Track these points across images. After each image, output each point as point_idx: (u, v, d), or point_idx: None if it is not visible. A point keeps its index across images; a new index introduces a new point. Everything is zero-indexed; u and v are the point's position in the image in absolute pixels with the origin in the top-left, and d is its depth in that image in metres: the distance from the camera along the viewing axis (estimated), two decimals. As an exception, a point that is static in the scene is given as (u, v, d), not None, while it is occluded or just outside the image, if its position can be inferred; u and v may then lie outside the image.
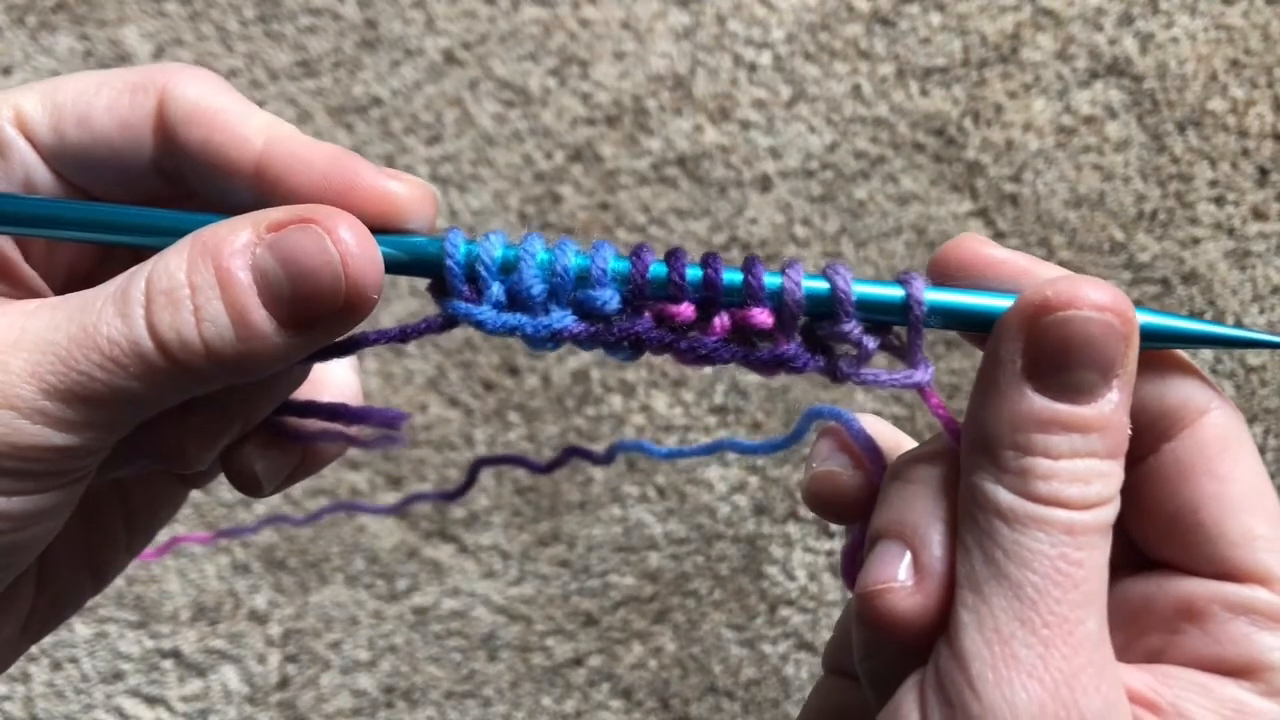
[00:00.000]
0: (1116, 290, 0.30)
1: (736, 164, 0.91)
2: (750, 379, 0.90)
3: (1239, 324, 0.91)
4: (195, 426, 0.35)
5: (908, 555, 0.31)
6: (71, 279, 0.38)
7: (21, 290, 0.36)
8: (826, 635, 0.90)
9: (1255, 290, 0.91)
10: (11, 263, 0.36)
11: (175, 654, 0.89)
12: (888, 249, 0.90)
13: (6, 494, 0.31)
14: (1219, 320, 0.91)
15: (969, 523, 0.30)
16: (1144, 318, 0.31)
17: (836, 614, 0.90)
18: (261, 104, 0.92)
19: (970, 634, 0.29)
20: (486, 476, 0.89)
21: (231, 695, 0.89)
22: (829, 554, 0.90)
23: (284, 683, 0.90)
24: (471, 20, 0.91)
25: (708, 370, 0.90)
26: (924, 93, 0.91)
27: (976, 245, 0.33)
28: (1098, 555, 0.30)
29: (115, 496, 0.40)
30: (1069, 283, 0.30)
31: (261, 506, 0.89)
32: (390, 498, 0.89)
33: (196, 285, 0.31)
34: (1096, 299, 0.29)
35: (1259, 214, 0.91)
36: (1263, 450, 0.89)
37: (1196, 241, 0.91)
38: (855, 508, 0.35)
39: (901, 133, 0.91)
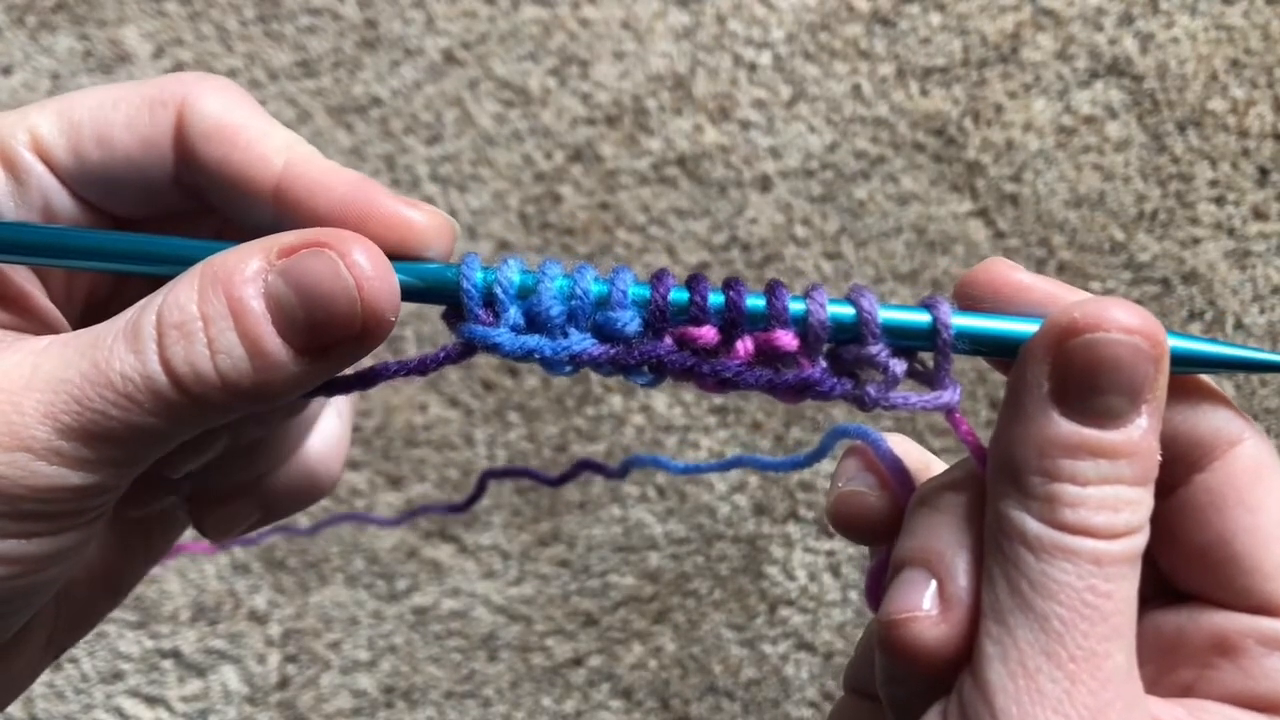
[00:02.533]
0: (1145, 312, 0.29)
1: (736, 164, 0.91)
2: (750, 379, 0.90)
3: (1239, 325, 0.91)
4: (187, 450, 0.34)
5: (933, 584, 0.31)
6: (88, 310, 0.38)
7: (37, 323, 0.35)
8: (827, 635, 0.90)
9: (1255, 290, 0.91)
10: (29, 295, 0.35)
11: (175, 654, 0.89)
12: (888, 249, 0.90)
13: (25, 536, 0.31)
14: (1219, 321, 0.91)
15: (995, 551, 0.30)
16: (1173, 342, 0.31)
17: (836, 614, 0.90)
18: (261, 104, 0.91)
19: (995, 666, 0.28)
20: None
21: (231, 695, 0.89)
22: (829, 554, 0.90)
23: (284, 683, 0.90)
24: (471, 20, 0.91)
25: (708, 370, 0.90)
26: (924, 93, 0.91)
27: (1004, 270, 0.32)
28: (1126, 587, 0.29)
29: (133, 516, 0.40)
30: (1096, 304, 0.29)
31: (261, 506, 0.89)
32: (390, 498, 0.89)
33: (209, 316, 0.30)
34: (1125, 321, 0.29)
35: (1259, 214, 0.91)
36: (1263, 450, 0.89)
37: (1197, 241, 0.91)
38: (881, 529, 0.34)
39: (901, 133, 0.91)
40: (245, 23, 0.91)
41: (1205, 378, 0.32)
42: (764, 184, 0.90)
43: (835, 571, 0.90)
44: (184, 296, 0.30)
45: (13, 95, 0.90)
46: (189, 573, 0.90)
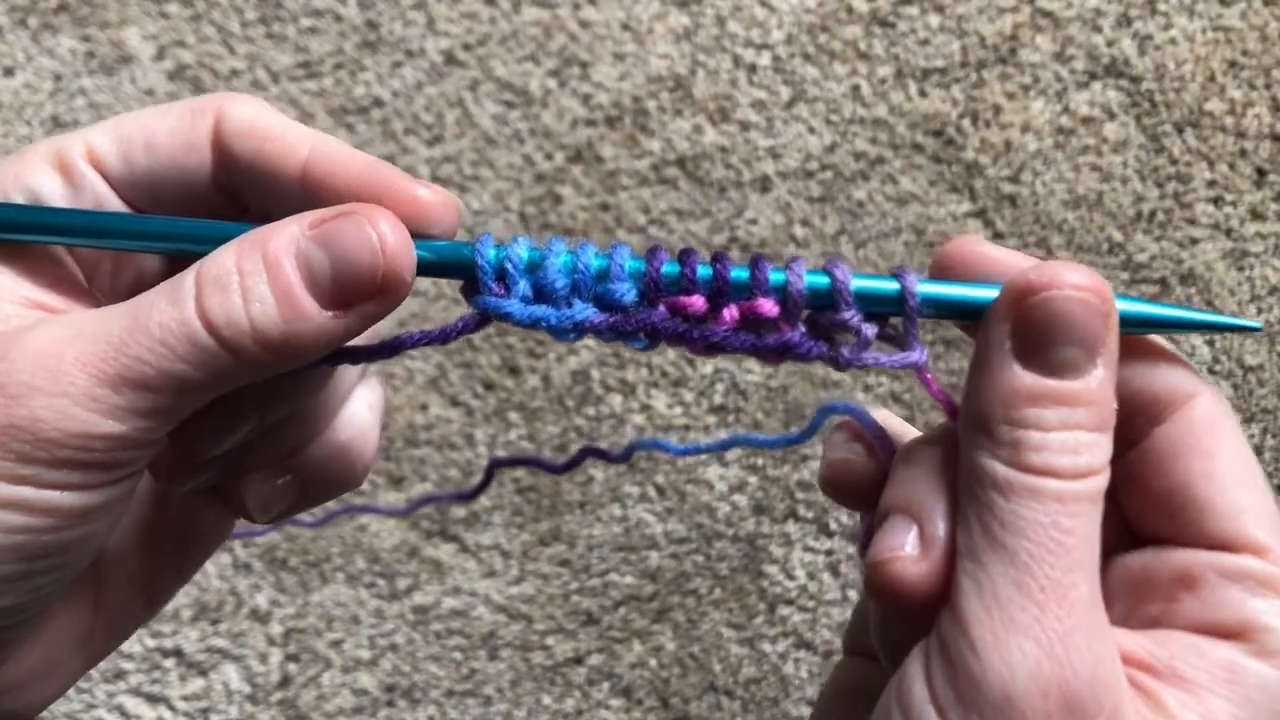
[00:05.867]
0: (1093, 272, 0.32)
1: (736, 164, 0.91)
2: (750, 379, 0.90)
3: (1237, 324, 0.91)
4: (205, 424, 0.36)
5: (914, 528, 0.33)
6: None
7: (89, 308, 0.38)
8: (826, 634, 0.90)
9: (1253, 290, 0.91)
10: (79, 286, 0.38)
11: (177, 653, 0.90)
12: (887, 249, 0.90)
13: (60, 487, 0.32)
14: (1217, 320, 0.92)
15: (968, 496, 0.32)
16: (1123, 305, 0.33)
17: (836, 613, 0.90)
18: (263, 105, 0.92)
19: (970, 599, 0.31)
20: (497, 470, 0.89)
21: (233, 694, 0.90)
22: (828, 553, 0.90)
23: (285, 681, 0.90)
24: (472, 22, 0.92)
25: (708, 370, 0.90)
26: (923, 94, 0.92)
27: (971, 244, 0.36)
28: (1088, 523, 0.31)
29: (169, 524, 0.41)
30: (1050, 267, 0.32)
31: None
32: (391, 497, 0.89)
33: (245, 270, 0.33)
34: (1075, 280, 0.32)
35: (1257, 214, 0.91)
36: (1260, 450, 0.90)
37: (1195, 242, 0.91)
38: (869, 492, 0.37)
39: (900, 133, 0.91)
40: (247, 24, 0.92)
41: (1159, 340, 0.35)
42: (764, 184, 0.91)
43: (835, 570, 0.90)
44: (224, 255, 0.33)
45: (15, 96, 0.91)
46: (191, 572, 0.90)
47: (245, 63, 0.91)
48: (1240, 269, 0.91)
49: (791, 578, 0.90)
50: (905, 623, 0.33)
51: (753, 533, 0.90)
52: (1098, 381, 0.32)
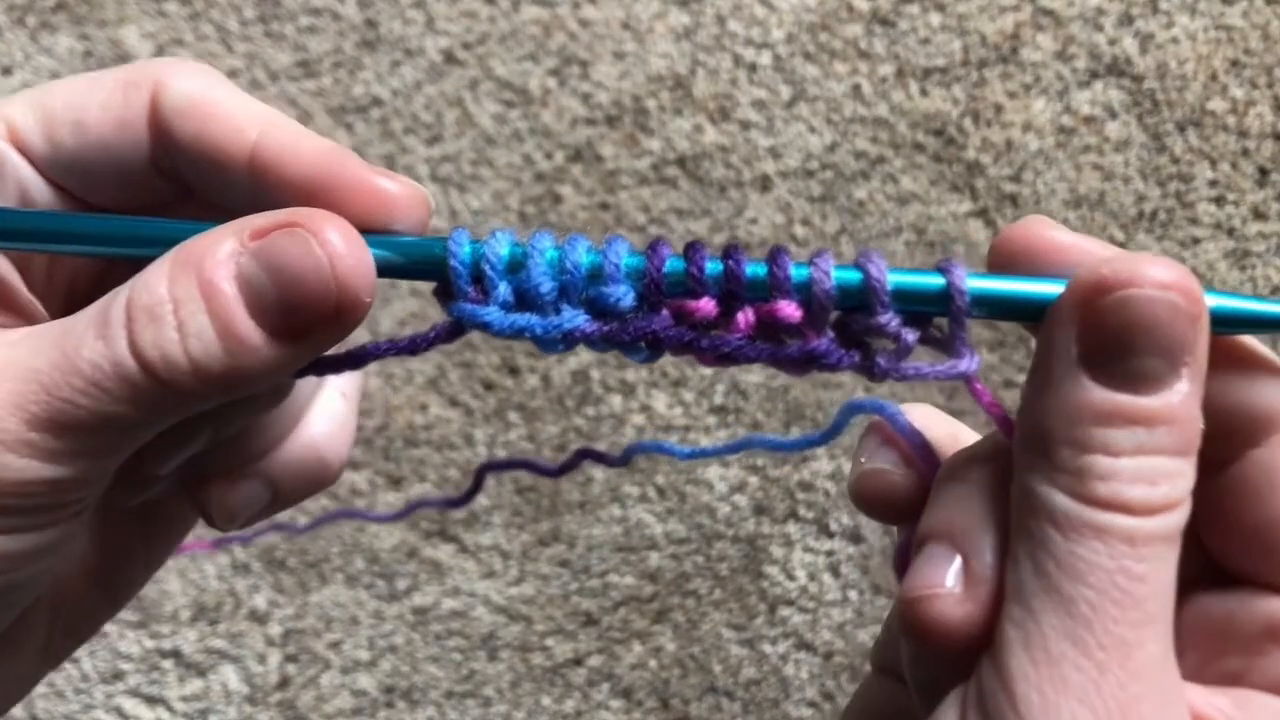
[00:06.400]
0: (1181, 267, 0.27)
1: (736, 164, 0.91)
2: (751, 379, 0.90)
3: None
4: (151, 442, 0.33)
5: (957, 561, 0.29)
6: (70, 300, 0.37)
7: (18, 315, 0.34)
8: (826, 635, 0.90)
9: (1255, 290, 0.91)
10: (9, 286, 0.34)
11: (175, 654, 0.89)
12: (888, 249, 0.90)
13: (3, 532, 0.30)
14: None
15: (1020, 529, 0.27)
16: (1213, 300, 0.28)
17: (836, 614, 0.90)
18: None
19: (1016, 651, 0.26)
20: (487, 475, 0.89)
21: (231, 695, 0.90)
22: (829, 554, 0.90)
23: (284, 682, 0.90)
24: (472, 20, 0.92)
25: (708, 370, 0.90)
26: (924, 93, 0.91)
27: (1040, 228, 0.30)
28: (1163, 569, 0.26)
29: (131, 517, 0.39)
30: (1128, 260, 0.27)
31: (262, 506, 0.89)
32: (390, 497, 0.89)
33: (179, 300, 0.29)
34: (1159, 276, 0.26)
35: (1259, 214, 0.91)
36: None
37: (1197, 241, 0.91)
38: (906, 507, 0.32)
39: (901, 133, 0.91)
40: (245, 23, 0.92)
41: (1257, 344, 0.30)
42: (764, 184, 0.90)
43: (835, 571, 0.90)
44: (154, 281, 0.29)
45: (13, 95, 0.90)
46: (189, 572, 0.90)
47: (243, 61, 0.91)
48: (1242, 269, 0.91)
49: (792, 578, 0.90)
50: (940, 663, 0.29)
51: (753, 533, 0.90)
52: (1181, 397, 0.27)
